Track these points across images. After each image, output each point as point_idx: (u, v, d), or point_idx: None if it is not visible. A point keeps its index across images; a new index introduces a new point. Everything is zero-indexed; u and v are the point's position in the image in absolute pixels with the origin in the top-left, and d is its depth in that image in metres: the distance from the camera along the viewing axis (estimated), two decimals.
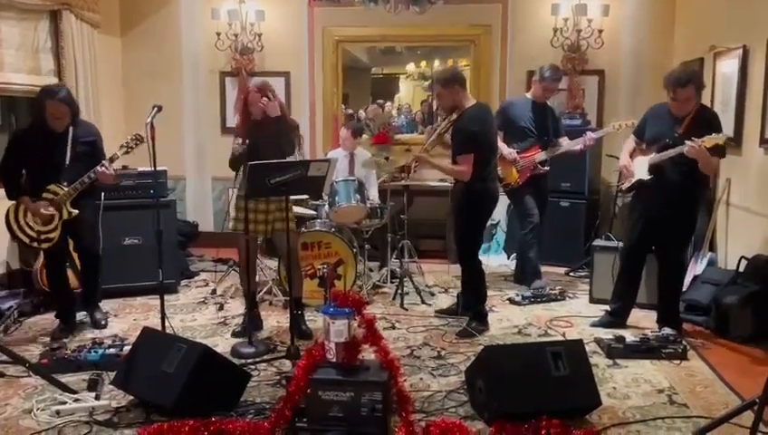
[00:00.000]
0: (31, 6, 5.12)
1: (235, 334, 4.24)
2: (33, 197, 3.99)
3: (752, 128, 4.68)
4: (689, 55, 5.78)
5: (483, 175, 4.18)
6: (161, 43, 6.76)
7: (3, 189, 4.15)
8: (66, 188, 4.00)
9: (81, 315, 4.43)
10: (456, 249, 4.45)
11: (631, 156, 4.29)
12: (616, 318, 4.38)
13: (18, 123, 5.54)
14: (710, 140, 3.80)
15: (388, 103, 7.17)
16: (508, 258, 5.80)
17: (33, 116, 4.10)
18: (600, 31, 6.19)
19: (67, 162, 4.01)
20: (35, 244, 4.07)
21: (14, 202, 4.03)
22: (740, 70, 4.81)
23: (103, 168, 4.00)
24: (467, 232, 4.29)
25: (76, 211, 4.04)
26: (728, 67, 5.04)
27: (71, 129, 4.03)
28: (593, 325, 4.41)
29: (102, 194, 4.62)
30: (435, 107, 6.93)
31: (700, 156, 3.84)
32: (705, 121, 3.97)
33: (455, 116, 4.20)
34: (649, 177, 4.11)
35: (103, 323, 4.38)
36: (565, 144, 5.29)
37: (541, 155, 5.19)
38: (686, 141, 3.85)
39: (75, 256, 4.46)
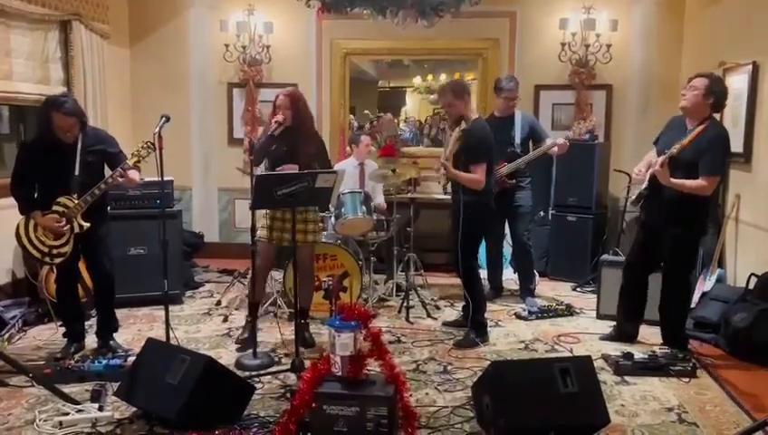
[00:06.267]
0: (41, 17, 5.14)
1: (238, 342, 4.25)
2: (43, 210, 3.84)
3: (761, 144, 4.66)
4: (698, 71, 5.73)
5: (487, 186, 4.25)
6: (170, 54, 6.79)
7: (14, 202, 3.96)
8: (77, 201, 3.82)
9: (89, 326, 4.37)
10: (453, 258, 4.44)
11: None
12: (621, 336, 4.36)
13: (27, 132, 5.54)
14: (672, 150, 3.84)
15: (389, 115, 7.16)
16: (514, 272, 5.78)
17: (40, 127, 3.90)
18: (609, 46, 6.19)
19: (76, 173, 3.83)
20: (47, 259, 3.88)
21: (24, 217, 3.87)
22: (749, 86, 4.80)
23: (115, 178, 3.83)
24: (464, 242, 4.26)
25: (87, 224, 3.86)
26: (738, 83, 5.02)
27: (80, 138, 3.87)
28: (602, 339, 4.39)
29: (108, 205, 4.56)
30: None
31: (659, 175, 3.85)
32: (705, 139, 3.85)
33: (464, 126, 4.22)
34: (646, 186, 4.04)
35: (120, 352, 4.01)
36: (532, 151, 5.21)
37: (505, 168, 5.12)
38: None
39: (85, 272, 4.29)
